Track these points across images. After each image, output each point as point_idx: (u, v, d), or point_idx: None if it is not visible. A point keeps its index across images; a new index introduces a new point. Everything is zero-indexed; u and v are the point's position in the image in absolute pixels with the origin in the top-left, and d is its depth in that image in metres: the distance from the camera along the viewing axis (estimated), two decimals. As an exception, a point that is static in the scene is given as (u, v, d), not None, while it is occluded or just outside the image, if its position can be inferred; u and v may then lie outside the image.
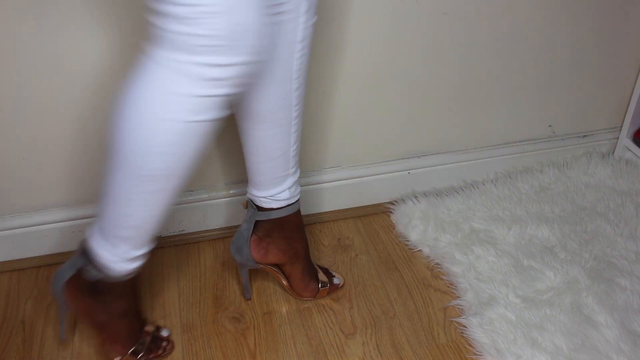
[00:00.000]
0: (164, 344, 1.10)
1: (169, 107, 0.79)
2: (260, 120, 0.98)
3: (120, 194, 0.88)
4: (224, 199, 1.31)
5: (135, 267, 0.98)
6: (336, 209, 1.40)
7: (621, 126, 1.55)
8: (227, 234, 1.34)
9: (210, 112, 0.81)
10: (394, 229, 1.38)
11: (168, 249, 1.32)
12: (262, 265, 1.14)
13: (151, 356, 1.08)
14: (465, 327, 1.14)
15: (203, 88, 0.78)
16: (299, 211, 1.11)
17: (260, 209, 1.09)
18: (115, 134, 0.84)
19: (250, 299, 1.20)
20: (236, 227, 1.32)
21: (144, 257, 0.98)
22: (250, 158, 1.05)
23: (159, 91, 0.79)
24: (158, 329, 1.11)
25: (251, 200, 1.11)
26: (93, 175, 1.22)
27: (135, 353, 1.06)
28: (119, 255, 0.95)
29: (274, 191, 1.07)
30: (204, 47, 0.74)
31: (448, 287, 1.24)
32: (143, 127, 0.81)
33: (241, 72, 0.78)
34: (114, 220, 0.91)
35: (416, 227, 1.35)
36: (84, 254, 0.98)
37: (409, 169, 1.41)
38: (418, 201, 1.40)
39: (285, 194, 1.08)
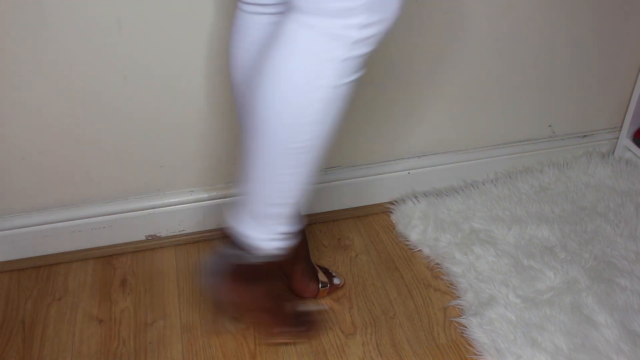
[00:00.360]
0: (314, 317, 1.14)
1: (321, 74, 0.79)
2: None
3: (268, 171, 0.88)
4: (224, 199, 1.31)
5: (288, 245, 0.98)
6: (336, 209, 1.40)
7: (621, 126, 1.55)
8: (227, 234, 1.34)
9: (354, 73, 0.81)
10: (394, 229, 1.38)
11: (168, 249, 1.32)
12: (262, 266, 1.14)
13: (305, 330, 1.12)
14: (465, 327, 1.14)
15: (352, 50, 0.78)
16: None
17: None
18: (262, 112, 0.84)
19: (250, 299, 1.20)
20: (236, 227, 1.32)
21: (295, 235, 0.99)
22: None
23: (311, 59, 0.79)
24: (307, 304, 1.15)
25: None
26: (93, 176, 1.22)
27: (291, 331, 1.10)
28: (271, 233, 0.95)
29: None
30: (351, 9, 0.75)
31: (448, 287, 1.24)
32: (295, 98, 0.81)
33: (384, 28, 0.79)
34: (263, 199, 0.92)
35: (416, 227, 1.35)
36: (233, 242, 0.98)
37: (409, 169, 1.41)
38: (418, 201, 1.40)
39: None
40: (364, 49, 0.79)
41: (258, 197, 0.92)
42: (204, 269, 1.01)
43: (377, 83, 1.27)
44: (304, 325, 1.12)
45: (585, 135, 1.54)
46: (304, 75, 0.80)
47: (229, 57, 0.96)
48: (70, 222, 1.25)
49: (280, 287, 1.07)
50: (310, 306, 1.17)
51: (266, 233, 0.95)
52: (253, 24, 0.91)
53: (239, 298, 1.02)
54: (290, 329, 1.10)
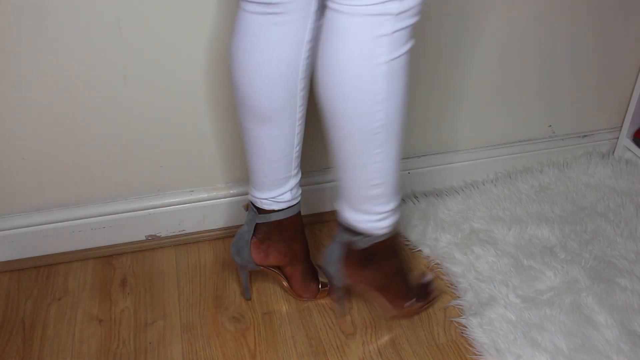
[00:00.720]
0: (431, 288, 1.18)
1: (376, 52, 0.83)
2: (264, 120, 0.98)
3: (355, 158, 0.93)
4: (224, 199, 1.31)
5: (392, 222, 1.03)
6: (336, 209, 1.40)
7: (621, 126, 1.55)
8: (227, 234, 1.34)
9: (406, 44, 0.86)
10: (394, 229, 1.38)
11: (168, 249, 1.32)
12: (262, 267, 1.14)
13: (426, 302, 1.16)
14: (465, 327, 1.14)
15: (397, 22, 0.82)
16: (299, 213, 1.11)
17: (260, 211, 1.09)
18: (335, 105, 0.88)
19: (250, 299, 1.20)
20: (236, 227, 1.32)
21: (397, 211, 1.03)
22: (253, 159, 1.05)
23: (364, 41, 0.83)
24: (422, 276, 1.20)
25: (252, 203, 1.11)
26: (93, 175, 1.22)
27: (414, 304, 1.13)
28: (374, 214, 1.00)
29: (276, 193, 1.07)
30: None
31: (448, 287, 1.24)
32: (361, 83, 0.85)
33: None
34: (358, 184, 0.96)
35: (416, 227, 1.35)
36: (345, 228, 1.03)
37: (409, 169, 1.41)
38: (418, 201, 1.40)
39: (287, 196, 1.07)
40: (408, 21, 0.84)
41: (352, 183, 0.97)
42: (325, 257, 1.07)
43: (377, 83, 1.27)
44: (425, 296, 1.17)
45: (585, 135, 1.54)
46: (362, 59, 0.84)
47: (230, 57, 0.96)
48: (70, 222, 1.25)
49: (399, 264, 1.10)
50: (427, 276, 1.20)
51: (369, 215, 1.00)
52: (254, 24, 0.91)
53: (359, 281, 1.08)
54: (413, 303, 1.14)
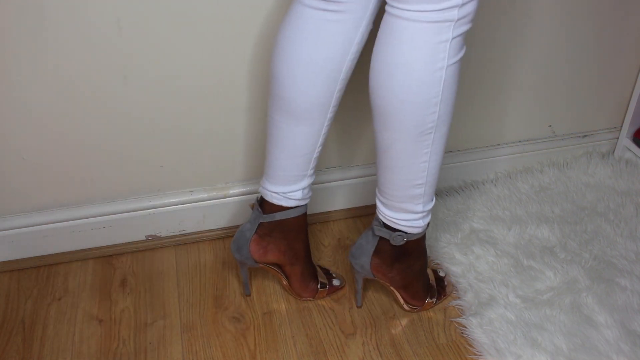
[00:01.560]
0: (445, 283, 1.22)
1: (436, 57, 0.86)
2: (296, 115, 0.98)
3: (404, 157, 0.95)
4: (224, 199, 1.31)
5: (427, 222, 1.06)
6: (336, 209, 1.40)
7: (621, 126, 1.55)
8: (227, 233, 1.34)
9: (460, 51, 0.88)
10: (394, 229, 1.38)
11: (168, 249, 1.32)
12: (261, 265, 1.14)
13: (441, 297, 1.19)
14: (465, 327, 1.14)
15: (456, 29, 0.85)
16: (305, 214, 1.11)
17: (267, 207, 1.08)
18: (391, 106, 0.90)
19: (249, 295, 1.20)
20: (236, 227, 1.32)
21: (431, 211, 1.06)
22: (274, 151, 1.04)
23: (426, 47, 0.85)
24: (437, 271, 1.23)
25: (258, 200, 1.10)
26: (93, 175, 1.22)
27: (435, 298, 1.18)
28: (414, 213, 1.03)
29: (288, 189, 1.06)
30: None
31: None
32: (419, 86, 0.87)
33: (476, 5, 0.86)
34: (402, 185, 0.98)
35: (416, 227, 1.35)
36: (382, 223, 1.06)
37: (409, 169, 1.41)
38: (418, 201, 1.40)
39: (298, 194, 1.07)
40: (464, 27, 0.86)
41: (396, 183, 0.99)
42: (355, 248, 1.09)
43: (377, 83, 1.27)
44: (440, 292, 1.20)
45: (585, 135, 1.54)
46: (423, 63, 0.85)
47: (276, 46, 0.95)
48: (70, 222, 1.25)
49: (424, 263, 1.13)
50: (441, 271, 1.24)
51: (408, 214, 1.02)
52: (309, 18, 0.91)
53: (383, 278, 1.10)
54: (429, 300, 1.17)
